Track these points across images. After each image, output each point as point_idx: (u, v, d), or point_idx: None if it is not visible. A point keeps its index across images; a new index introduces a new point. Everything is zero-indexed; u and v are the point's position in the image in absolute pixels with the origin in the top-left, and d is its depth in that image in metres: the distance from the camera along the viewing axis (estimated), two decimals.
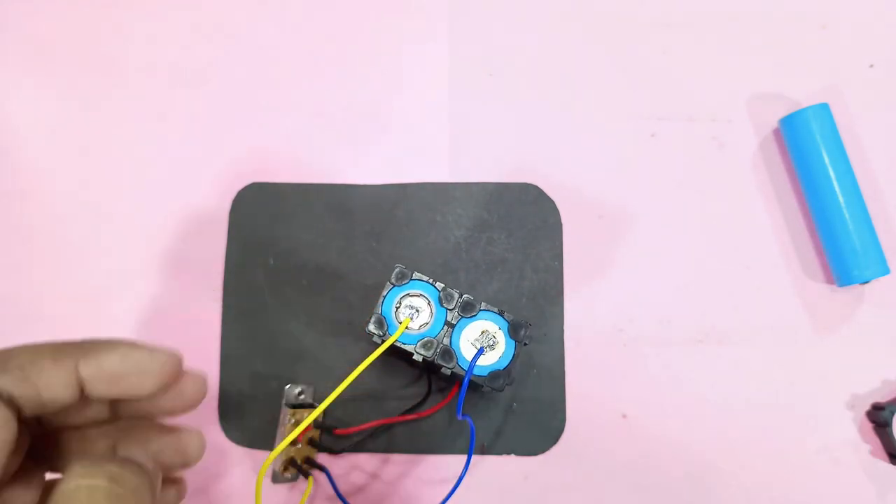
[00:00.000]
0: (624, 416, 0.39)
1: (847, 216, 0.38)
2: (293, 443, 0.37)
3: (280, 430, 0.37)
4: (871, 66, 0.42)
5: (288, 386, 0.38)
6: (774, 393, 0.39)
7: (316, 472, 0.38)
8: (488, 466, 0.39)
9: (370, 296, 0.39)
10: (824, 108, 0.39)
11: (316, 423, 0.38)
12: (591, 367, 0.39)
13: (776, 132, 0.41)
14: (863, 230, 0.38)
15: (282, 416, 0.37)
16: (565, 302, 0.40)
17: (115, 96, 0.42)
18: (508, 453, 0.39)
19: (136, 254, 0.40)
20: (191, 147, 0.41)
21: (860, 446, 0.39)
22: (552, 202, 0.41)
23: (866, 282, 0.39)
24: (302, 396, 0.38)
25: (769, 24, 0.42)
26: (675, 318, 0.40)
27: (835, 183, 0.38)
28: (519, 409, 0.39)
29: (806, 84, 0.42)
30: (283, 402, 0.38)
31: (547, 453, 0.39)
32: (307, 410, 0.38)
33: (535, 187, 0.41)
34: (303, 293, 0.40)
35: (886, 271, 0.38)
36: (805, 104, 0.40)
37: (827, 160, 0.38)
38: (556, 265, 0.40)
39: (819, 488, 0.38)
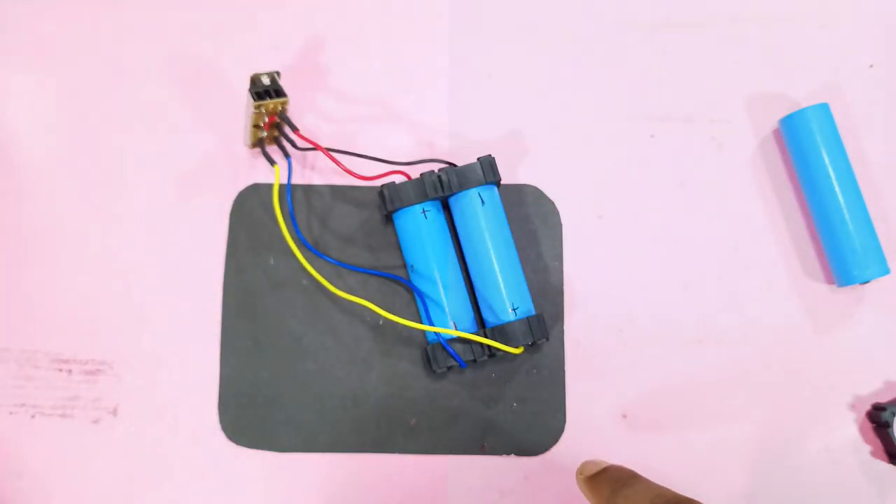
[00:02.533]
0: (624, 416, 0.39)
1: (847, 216, 0.38)
2: (258, 127, 0.39)
3: (246, 114, 0.38)
4: (871, 66, 0.42)
5: (254, 73, 0.38)
6: (774, 393, 0.39)
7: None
8: (488, 466, 0.39)
9: (370, 296, 0.39)
10: (824, 108, 0.39)
11: (280, 115, 0.38)
12: (591, 367, 0.39)
13: (776, 132, 0.41)
14: (863, 230, 0.38)
15: (247, 102, 0.38)
16: (565, 302, 0.40)
17: (115, 96, 0.42)
18: (508, 453, 0.39)
19: (136, 254, 0.40)
20: (191, 147, 0.41)
21: (860, 447, 0.39)
22: (552, 202, 0.41)
23: (866, 282, 0.39)
24: (268, 82, 0.38)
25: (769, 24, 0.42)
26: (675, 318, 0.40)
27: (835, 183, 0.38)
28: (519, 409, 0.39)
29: (806, 84, 0.42)
30: (249, 88, 0.37)
31: (547, 453, 0.39)
32: (272, 101, 0.38)
33: (535, 188, 0.41)
34: (303, 293, 0.40)
35: (886, 271, 0.38)
36: (805, 104, 0.40)
37: (827, 160, 0.38)
38: (556, 265, 0.40)
39: (819, 488, 0.38)
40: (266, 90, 0.38)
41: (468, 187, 0.37)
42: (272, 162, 0.38)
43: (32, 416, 0.39)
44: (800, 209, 0.41)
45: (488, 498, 0.38)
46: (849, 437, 0.39)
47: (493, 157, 0.38)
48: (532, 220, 0.40)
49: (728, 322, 0.40)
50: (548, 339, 0.38)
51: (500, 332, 0.37)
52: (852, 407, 0.39)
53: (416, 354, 0.39)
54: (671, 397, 0.39)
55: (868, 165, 0.41)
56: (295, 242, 0.37)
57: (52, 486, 0.39)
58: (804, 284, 0.40)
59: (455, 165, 0.38)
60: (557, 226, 0.40)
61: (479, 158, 0.38)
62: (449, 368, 0.37)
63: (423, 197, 0.38)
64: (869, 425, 0.39)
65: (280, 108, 0.38)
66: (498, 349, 0.37)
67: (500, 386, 0.39)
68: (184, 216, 0.40)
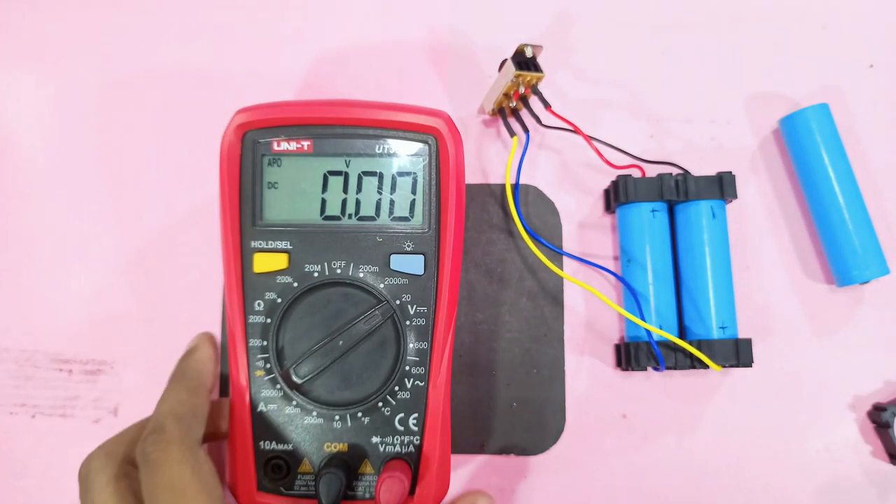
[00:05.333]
0: (624, 416, 0.39)
1: (847, 216, 0.38)
2: (507, 96, 0.38)
3: (499, 79, 0.38)
4: (871, 66, 0.42)
5: (521, 43, 0.37)
6: (775, 393, 0.39)
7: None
8: (488, 466, 0.39)
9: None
10: (824, 108, 0.39)
11: (534, 89, 0.38)
12: (591, 368, 0.39)
13: (776, 132, 0.41)
14: (863, 230, 0.38)
15: (504, 69, 0.37)
16: (565, 302, 0.40)
17: (114, 96, 0.42)
18: (508, 453, 0.39)
19: (135, 254, 0.40)
20: (191, 147, 0.41)
21: (861, 447, 0.39)
22: (552, 202, 0.41)
23: (866, 282, 0.39)
24: (530, 54, 0.38)
25: (769, 24, 0.42)
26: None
27: (834, 183, 0.38)
28: (519, 409, 0.39)
29: (806, 84, 0.42)
30: (511, 56, 0.37)
31: (547, 453, 0.39)
32: (530, 74, 0.37)
33: (535, 188, 0.41)
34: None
35: (886, 271, 0.38)
36: (805, 104, 0.40)
37: (827, 160, 0.38)
38: (556, 265, 0.40)
39: (819, 488, 0.38)
40: (526, 62, 0.37)
41: (702, 198, 0.38)
42: (512, 133, 0.38)
43: (33, 416, 0.39)
44: (799, 209, 0.41)
45: None
46: (849, 437, 0.39)
47: (734, 175, 0.38)
48: (532, 220, 0.40)
49: None
50: (750, 367, 0.37)
51: (707, 346, 0.37)
52: (852, 407, 0.39)
53: None
54: (671, 397, 0.39)
55: (868, 165, 0.41)
56: (519, 222, 0.37)
57: (52, 486, 0.39)
58: (804, 284, 0.40)
59: (688, 172, 0.39)
60: (557, 226, 0.40)
61: (719, 173, 0.38)
62: (644, 369, 0.37)
63: (657, 196, 0.38)
64: (869, 425, 0.39)
65: (535, 82, 0.38)
66: (701, 362, 0.36)
67: (501, 386, 0.39)
68: (184, 216, 0.40)
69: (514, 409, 0.39)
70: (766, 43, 0.42)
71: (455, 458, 0.39)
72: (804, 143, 0.39)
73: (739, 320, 0.38)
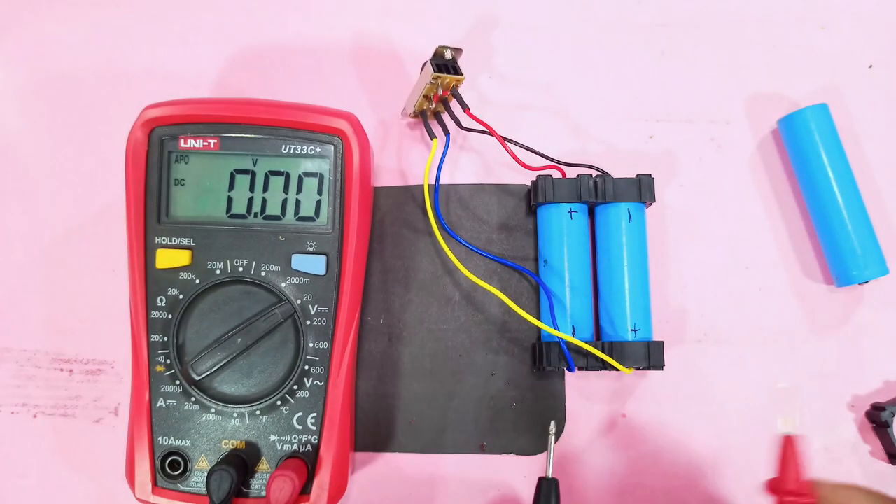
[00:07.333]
0: (624, 416, 0.39)
1: (846, 216, 0.38)
2: (427, 98, 0.38)
3: (419, 81, 0.38)
4: (871, 66, 0.42)
5: (440, 46, 0.37)
6: (775, 393, 0.39)
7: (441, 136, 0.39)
8: (488, 466, 0.39)
9: (371, 296, 0.39)
10: (823, 108, 0.39)
11: (453, 91, 0.38)
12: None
13: (775, 133, 0.41)
14: (862, 230, 0.38)
15: (424, 71, 0.37)
16: None
17: (115, 95, 0.42)
18: (508, 453, 0.39)
19: None
20: None
21: (860, 447, 0.39)
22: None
23: (865, 282, 0.39)
24: (449, 57, 0.37)
25: (769, 25, 0.42)
26: (676, 318, 0.40)
27: (833, 183, 0.38)
28: (519, 409, 0.39)
29: (805, 84, 0.42)
30: (430, 59, 0.37)
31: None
32: (449, 77, 0.37)
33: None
34: None
35: (885, 271, 0.38)
36: (804, 104, 0.40)
37: (826, 160, 0.38)
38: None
39: None
40: (446, 64, 0.37)
41: (620, 200, 0.38)
42: (432, 136, 0.38)
43: (34, 416, 0.39)
44: (799, 209, 0.41)
45: (488, 497, 0.38)
46: (848, 436, 0.39)
47: (653, 178, 0.38)
48: (532, 221, 0.40)
49: (728, 322, 0.40)
50: (662, 370, 0.37)
51: (618, 349, 0.36)
52: (851, 407, 0.39)
53: (415, 353, 0.39)
54: (671, 397, 0.39)
55: (868, 165, 0.41)
56: (437, 223, 0.37)
57: (54, 486, 0.39)
58: (803, 284, 0.40)
59: (608, 174, 0.38)
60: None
61: (639, 175, 0.38)
62: (556, 369, 0.37)
63: (574, 198, 0.38)
64: (868, 425, 0.39)
65: (454, 84, 0.38)
66: (611, 365, 0.36)
67: (500, 386, 0.39)
68: None
69: (513, 409, 0.39)
70: (766, 43, 0.42)
71: (455, 458, 0.39)
72: (803, 144, 0.39)
73: (739, 320, 0.38)
